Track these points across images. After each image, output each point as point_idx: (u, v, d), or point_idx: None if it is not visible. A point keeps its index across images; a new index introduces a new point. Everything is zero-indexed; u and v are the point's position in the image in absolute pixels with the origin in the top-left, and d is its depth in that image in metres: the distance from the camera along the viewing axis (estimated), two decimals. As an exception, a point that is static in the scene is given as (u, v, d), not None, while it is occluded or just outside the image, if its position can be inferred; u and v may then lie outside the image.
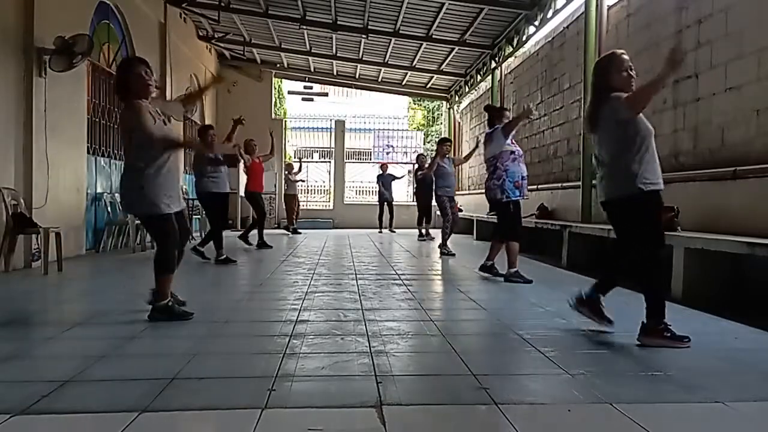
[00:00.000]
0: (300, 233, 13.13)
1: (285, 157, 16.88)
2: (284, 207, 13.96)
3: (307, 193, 18.01)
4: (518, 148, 5.69)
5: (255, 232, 9.27)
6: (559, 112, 9.33)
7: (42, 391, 2.31)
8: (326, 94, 27.52)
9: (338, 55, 14.40)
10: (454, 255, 8.08)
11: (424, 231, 11.29)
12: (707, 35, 5.78)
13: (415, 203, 11.60)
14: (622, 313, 3.57)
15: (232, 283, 5.92)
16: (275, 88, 17.68)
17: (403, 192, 16.74)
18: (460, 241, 10.54)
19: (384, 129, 19.54)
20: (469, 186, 15.19)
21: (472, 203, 13.64)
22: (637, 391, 2.43)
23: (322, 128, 18.31)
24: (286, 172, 13.67)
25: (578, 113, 7.74)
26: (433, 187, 9.09)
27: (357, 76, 16.38)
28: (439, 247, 8.40)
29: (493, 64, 12.21)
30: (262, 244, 9.10)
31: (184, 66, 12.12)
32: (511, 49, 11.34)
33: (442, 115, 19.51)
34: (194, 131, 13.17)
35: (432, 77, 15.64)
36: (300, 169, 13.72)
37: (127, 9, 9.07)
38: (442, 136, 18.12)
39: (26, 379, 2.55)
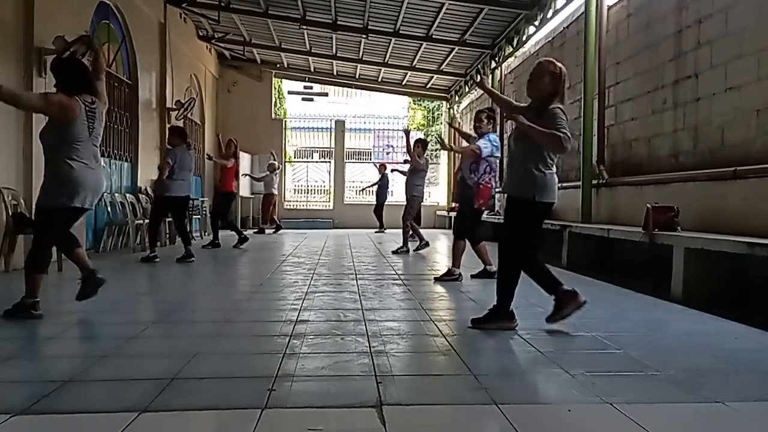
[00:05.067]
0: (270, 232, 13.23)
1: (285, 157, 16.86)
2: (263, 206, 13.74)
3: (307, 193, 18.01)
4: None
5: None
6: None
7: (42, 391, 2.31)
8: (326, 94, 27.53)
9: (338, 55, 14.40)
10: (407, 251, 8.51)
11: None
12: (707, 35, 5.78)
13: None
14: (620, 313, 3.57)
15: (232, 283, 5.92)
16: (275, 88, 17.66)
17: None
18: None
19: (384, 129, 19.52)
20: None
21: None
22: (637, 391, 2.43)
23: (322, 128, 18.28)
24: (269, 171, 13.55)
25: (578, 113, 7.75)
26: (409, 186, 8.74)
27: (357, 76, 16.37)
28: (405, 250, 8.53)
29: (493, 64, 12.21)
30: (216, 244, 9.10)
31: (184, 66, 12.11)
32: (511, 49, 11.33)
33: (442, 115, 19.49)
34: (194, 131, 13.19)
35: (432, 77, 15.63)
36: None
37: (127, 9, 9.06)
38: (442, 136, 18.11)
39: (26, 379, 2.55)
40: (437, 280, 5.65)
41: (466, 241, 5.74)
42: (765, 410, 2.25)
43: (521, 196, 3.44)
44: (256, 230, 13.54)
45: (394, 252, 8.53)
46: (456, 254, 5.67)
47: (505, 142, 3.65)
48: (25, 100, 4.11)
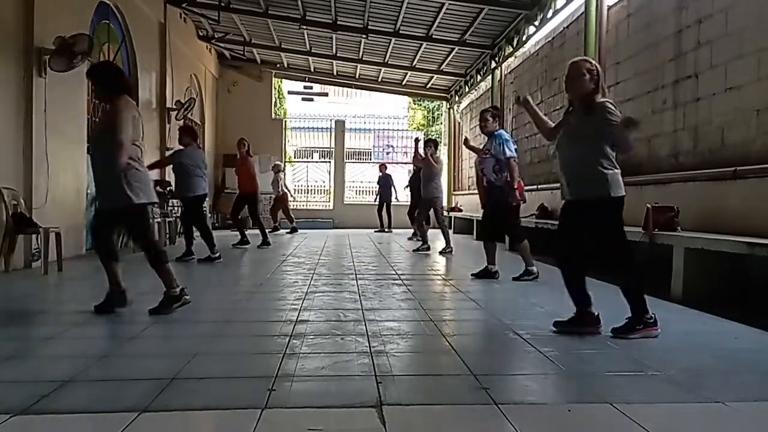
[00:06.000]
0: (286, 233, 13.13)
1: (285, 157, 16.85)
2: (283, 207, 13.69)
3: (307, 193, 18.02)
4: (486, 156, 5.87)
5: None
6: (559, 111, 9.30)
7: (42, 391, 2.31)
8: (326, 94, 27.54)
9: (338, 55, 14.40)
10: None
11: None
12: (707, 35, 5.77)
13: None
14: (620, 313, 3.56)
15: (232, 283, 5.92)
16: (275, 88, 17.67)
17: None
18: (459, 241, 10.54)
19: (384, 129, 19.53)
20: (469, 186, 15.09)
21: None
22: (637, 391, 2.43)
23: (322, 128, 18.29)
24: (274, 172, 13.48)
25: (578, 113, 7.74)
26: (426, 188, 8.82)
27: (357, 76, 16.37)
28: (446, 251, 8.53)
29: (493, 64, 12.20)
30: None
31: (184, 66, 12.12)
32: (511, 49, 11.33)
33: (442, 115, 19.51)
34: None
35: (432, 77, 15.63)
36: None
37: (127, 9, 9.06)
38: (442, 136, 18.13)
39: (26, 379, 2.55)
40: (515, 279, 5.70)
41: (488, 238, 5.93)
42: (765, 410, 2.25)
43: (595, 197, 3.37)
44: (288, 231, 13.14)
45: (440, 253, 8.44)
46: (526, 252, 5.76)
47: (551, 150, 3.75)
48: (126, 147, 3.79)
